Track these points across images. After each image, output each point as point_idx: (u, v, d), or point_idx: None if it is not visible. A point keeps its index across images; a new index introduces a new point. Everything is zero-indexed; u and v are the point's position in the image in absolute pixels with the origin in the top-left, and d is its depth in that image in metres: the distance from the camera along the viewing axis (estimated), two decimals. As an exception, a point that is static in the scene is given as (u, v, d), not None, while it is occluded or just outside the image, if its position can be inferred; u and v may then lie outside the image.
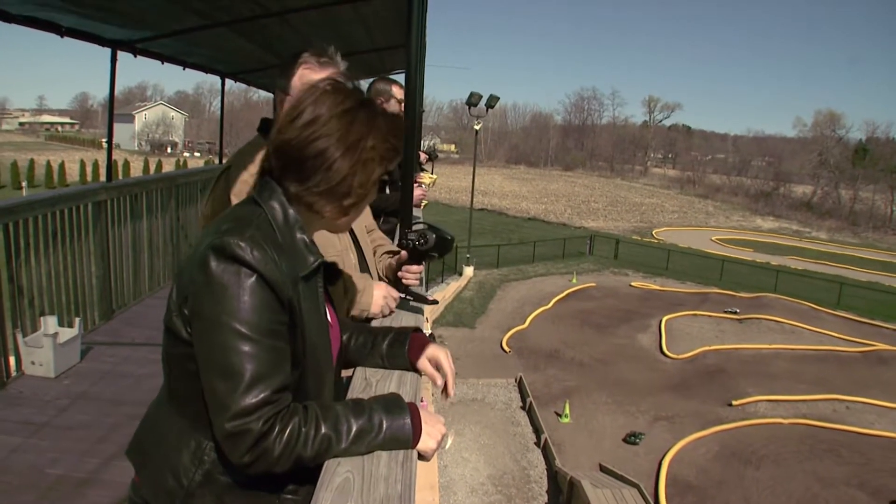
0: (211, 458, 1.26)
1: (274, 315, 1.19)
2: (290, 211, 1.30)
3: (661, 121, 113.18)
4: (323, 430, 1.19)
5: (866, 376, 21.37)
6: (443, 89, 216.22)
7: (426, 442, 1.27)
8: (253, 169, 1.87)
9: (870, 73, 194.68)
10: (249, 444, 1.14)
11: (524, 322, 24.94)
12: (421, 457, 1.27)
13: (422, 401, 1.77)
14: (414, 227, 2.01)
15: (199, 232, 2.17)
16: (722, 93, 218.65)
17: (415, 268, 2.10)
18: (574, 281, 31.60)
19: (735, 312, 27.05)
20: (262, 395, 1.15)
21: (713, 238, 51.76)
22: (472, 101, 28.76)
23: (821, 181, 78.33)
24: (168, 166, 62.38)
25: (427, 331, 1.97)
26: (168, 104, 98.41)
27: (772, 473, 15.15)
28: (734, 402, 18.65)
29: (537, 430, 15.92)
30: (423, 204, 4.54)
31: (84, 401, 4.20)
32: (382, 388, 1.43)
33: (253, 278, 1.17)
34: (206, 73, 7.29)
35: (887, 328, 27.10)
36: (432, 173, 5.08)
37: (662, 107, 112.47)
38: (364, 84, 4.56)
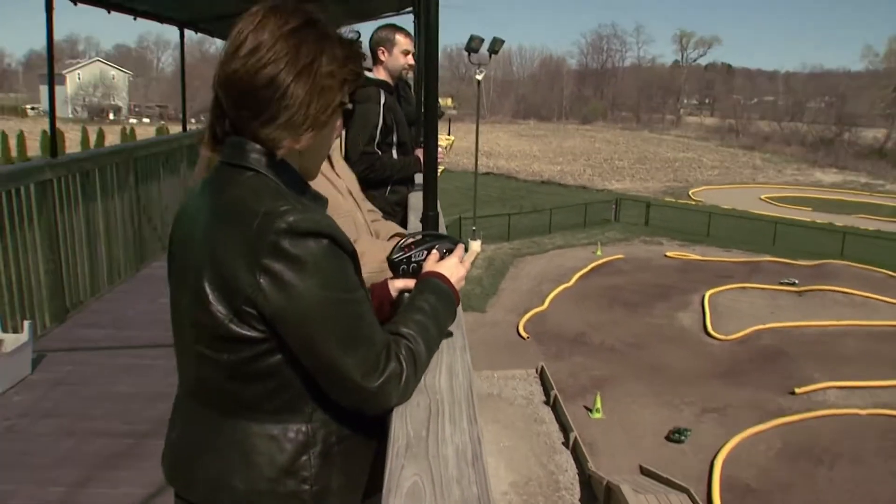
0: (321, 437, 1.43)
1: (350, 265, 1.38)
2: (281, 163, 1.41)
3: (695, 59, 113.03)
4: (420, 340, 1.48)
5: (967, 357, 21.11)
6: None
7: (460, 288, 1.68)
8: None
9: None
10: (396, 384, 1.39)
11: (543, 303, 25.03)
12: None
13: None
14: (407, 242, 1.77)
15: None
16: (769, 22, 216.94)
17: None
18: (599, 253, 31.70)
19: (793, 284, 27.15)
20: (383, 339, 1.40)
21: (762, 197, 51.75)
22: (473, 46, 28.34)
23: (896, 123, 76.81)
24: (112, 136, 62.02)
25: None
26: (107, 61, 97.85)
27: (850, 474, 15.11)
28: (797, 391, 18.69)
29: (565, 429, 16.02)
30: (439, 170, 4.52)
31: (42, 418, 4.19)
32: (432, 380, 1.54)
33: (326, 242, 1.31)
34: (162, 22, 7.21)
35: None
36: (448, 134, 5.05)
37: (697, 43, 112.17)
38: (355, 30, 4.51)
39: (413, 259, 1.71)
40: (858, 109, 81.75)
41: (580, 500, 13.89)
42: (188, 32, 8.08)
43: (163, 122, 76.12)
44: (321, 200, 1.50)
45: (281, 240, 1.27)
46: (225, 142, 1.43)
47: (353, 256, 1.38)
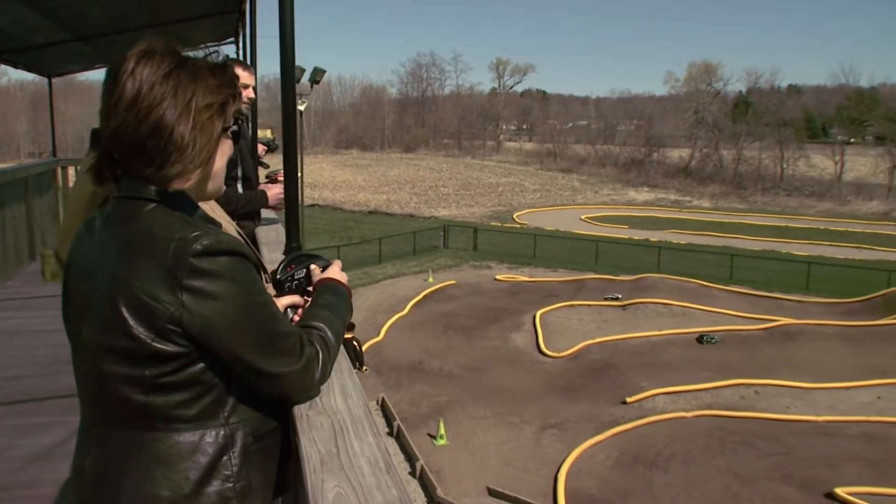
0: (239, 437, 1.53)
1: (257, 274, 1.54)
2: (178, 193, 1.50)
3: (512, 86, 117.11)
4: (328, 329, 1.67)
5: (773, 356, 22.96)
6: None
7: (344, 281, 1.90)
8: None
9: (747, 18, 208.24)
10: (315, 365, 1.57)
11: (378, 333, 25.22)
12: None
13: None
14: (287, 262, 1.98)
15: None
16: (579, 50, 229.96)
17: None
18: (430, 280, 32.29)
19: (617, 298, 28.70)
20: (297, 331, 1.58)
21: (582, 217, 54.36)
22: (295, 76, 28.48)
23: (698, 143, 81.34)
24: None
25: None
26: None
27: (682, 475, 16.10)
28: (628, 400, 19.75)
29: (410, 458, 16.09)
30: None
31: None
32: (329, 402, 1.65)
33: (235, 258, 1.45)
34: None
35: (788, 300, 29.28)
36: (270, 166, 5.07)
37: (513, 70, 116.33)
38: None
39: (295, 277, 1.91)
40: (664, 131, 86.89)
41: (431, 528, 14.00)
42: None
43: (-53, 164, 70.03)
44: (215, 223, 1.58)
45: (199, 261, 1.39)
46: (120, 179, 1.49)
47: (257, 267, 1.55)
